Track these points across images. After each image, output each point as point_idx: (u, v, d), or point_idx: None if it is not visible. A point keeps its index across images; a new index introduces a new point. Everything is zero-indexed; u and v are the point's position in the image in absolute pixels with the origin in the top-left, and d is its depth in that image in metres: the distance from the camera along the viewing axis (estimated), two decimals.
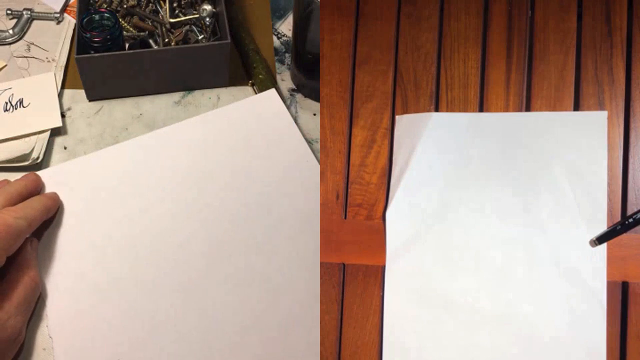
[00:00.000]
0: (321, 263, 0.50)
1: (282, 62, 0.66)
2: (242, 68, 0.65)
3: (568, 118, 0.46)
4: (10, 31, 0.67)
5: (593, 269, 0.45)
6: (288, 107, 0.62)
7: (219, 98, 0.62)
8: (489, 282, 0.46)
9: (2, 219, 0.43)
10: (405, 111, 0.50)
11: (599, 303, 0.44)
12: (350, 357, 0.49)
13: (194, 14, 0.65)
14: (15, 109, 0.59)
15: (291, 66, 0.64)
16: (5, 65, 0.64)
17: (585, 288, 0.45)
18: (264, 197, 0.53)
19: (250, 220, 0.51)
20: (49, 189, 0.52)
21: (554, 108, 0.47)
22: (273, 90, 0.61)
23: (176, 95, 0.62)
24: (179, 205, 0.52)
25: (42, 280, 0.46)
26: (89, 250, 0.48)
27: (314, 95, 0.62)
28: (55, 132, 0.58)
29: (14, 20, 0.68)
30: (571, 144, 0.46)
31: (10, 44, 0.66)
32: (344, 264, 0.50)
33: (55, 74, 0.63)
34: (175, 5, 0.66)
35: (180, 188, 0.53)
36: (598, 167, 0.45)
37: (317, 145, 0.58)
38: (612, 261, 0.45)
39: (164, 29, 0.64)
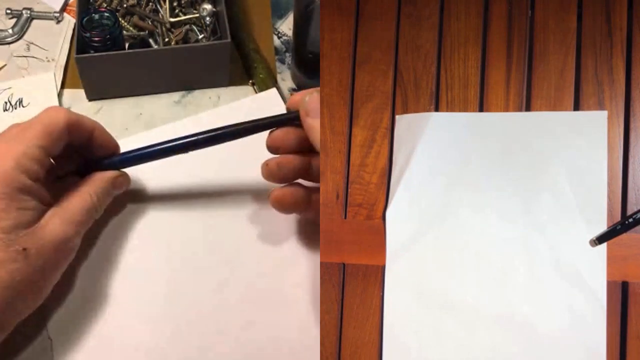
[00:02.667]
0: (321, 263, 0.50)
1: (282, 61, 0.66)
2: (243, 68, 0.65)
3: (568, 118, 0.46)
4: (10, 31, 0.67)
5: (593, 269, 0.45)
6: None
7: (219, 98, 0.62)
8: (489, 282, 0.47)
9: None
10: (405, 111, 0.50)
11: (599, 303, 0.44)
12: (350, 357, 0.49)
13: (194, 13, 0.65)
14: (15, 108, 0.59)
15: (292, 66, 0.64)
16: (5, 65, 0.64)
17: (585, 288, 0.45)
18: (264, 194, 0.53)
19: (251, 215, 0.51)
20: None
21: (554, 108, 0.47)
22: (274, 90, 0.61)
23: (176, 95, 0.62)
24: (179, 201, 0.52)
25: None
26: (88, 250, 0.48)
27: None
28: None
29: (14, 20, 0.68)
30: (571, 144, 0.46)
31: (9, 43, 0.66)
32: (344, 264, 0.50)
33: (55, 74, 0.62)
34: (175, 4, 0.66)
35: (179, 185, 0.53)
36: (598, 167, 0.45)
37: None
38: (612, 261, 0.45)
39: (164, 29, 0.64)
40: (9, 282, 0.36)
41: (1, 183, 0.37)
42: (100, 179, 0.45)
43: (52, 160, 0.42)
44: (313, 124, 0.41)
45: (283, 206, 0.46)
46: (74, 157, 0.46)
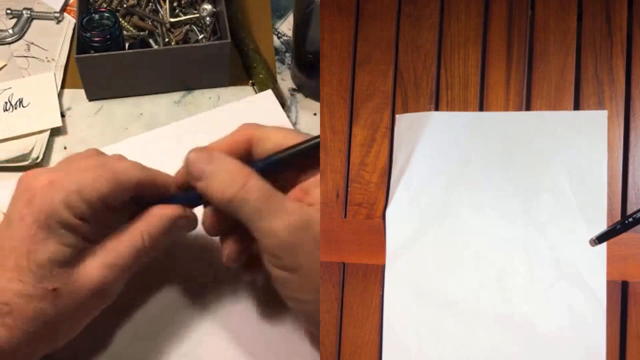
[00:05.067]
0: (321, 262, 0.50)
1: (282, 61, 0.66)
2: (242, 68, 0.65)
3: (568, 118, 0.46)
4: (10, 31, 0.67)
5: (593, 269, 0.45)
6: (288, 107, 0.62)
7: (219, 98, 0.62)
8: (489, 282, 0.47)
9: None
10: (405, 110, 0.50)
11: (598, 302, 0.44)
12: (350, 356, 0.49)
13: (194, 13, 0.65)
14: (15, 108, 0.59)
15: (291, 66, 0.64)
16: (5, 65, 0.64)
17: (585, 287, 0.45)
18: None
19: None
20: None
21: (554, 108, 0.47)
22: (269, 91, 0.61)
23: (176, 95, 0.62)
24: None
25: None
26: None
27: (315, 95, 0.62)
28: (55, 132, 0.58)
29: (14, 20, 0.68)
30: (571, 144, 0.46)
31: (10, 43, 0.66)
32: (344, 263, 0.50)
33: (55, 74, 0.62)
34: (175, 4, 0.66)
35: None
36: (598, 167, 0.45)
37: None
38: (612, 260, 0.45)
39: (164, 29, 0.64)
40: (32, 319, 0.33)
41: (45, 212, 0.34)
42: (157, 216, 0.38)
43: (105, 207, 0.36)
44: (206, 185, 0.35)
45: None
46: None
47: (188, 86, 0.62)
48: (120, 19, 0.63)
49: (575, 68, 0.47)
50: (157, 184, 0.39)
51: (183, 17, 0.65)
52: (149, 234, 0.37)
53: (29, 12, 0.68)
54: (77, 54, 0.56)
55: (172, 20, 0.64)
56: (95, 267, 0.35)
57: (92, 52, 0.57)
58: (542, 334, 0.45)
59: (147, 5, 0.66)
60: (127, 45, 0.62)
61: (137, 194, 0.38)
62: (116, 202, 0.36)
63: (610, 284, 0.44)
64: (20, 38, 0.67)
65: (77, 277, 0.34)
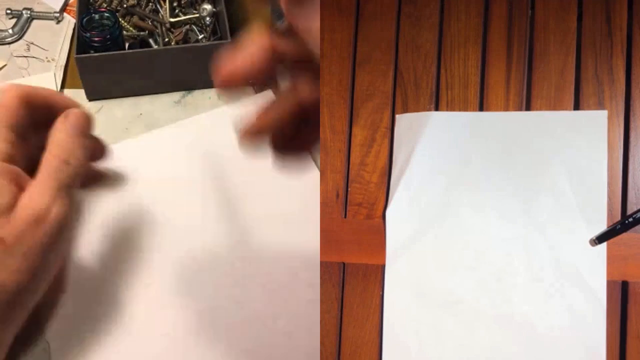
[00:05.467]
0: (321, 262, 0.50)
1: None
2: None
3: (568, 118, 0.46)
4: (10, 31, 0.67)
5: (593, 269, 0.45)
6: None
7: (219, 98, 0.62)
8: (489, 281, 0.46)
9: None
10: (405, 110, 0.50)
11: (598, 302, 0.44)
12: (350, 356, 0.49)
13: (194, 13, 0.65)
14: None
15: None
16: (5, 65, 0.64)
17: (585, 287, 0.45)
18: (263, 195, 0.53)
19: (248, 216, 0.51)
20: None
21: (554, 108, 0.47)
22: (269, 92, 0.61)
23: (176, 95, 0.62)
24: (177, 202, 0.52)
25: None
26: (87, 250, 0.48)
27: None
28: None
29: (14, 20, 0.68)
30: (571, 143, 0.46)
31: (10, 43, 0.66)
32: (344, 264, 0.50)
33: (55, 74, 0.63)
34: (175, 4, 0.66)
35: (178, 187, 0.53)
36: (598, 167, 0.45)
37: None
38: (612, 260, 0.45)
39: (164, 29, 0.64)
40: None
41: None
42: (58, 129, 0.36)
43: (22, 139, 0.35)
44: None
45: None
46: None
47: (188, 86, 0.62)
48: (120, 19, 0.63)
49: (575, 68, 0.47)
50: (49, 102, 0.37)
51: (183, 17, 0.65)
52: (58, 145, 0.35)
53: (29, 12, 0.68)
54: (77, 54, 0.56)
55: (172, 20, 0.64)
56: (26, 200, 0.33)
57: (92, 52, 0.57)
58: (542, 334, 0.45)
59: (147, 5, 0.66)
60: (127, 45, 0.62)
61: (33, 117, 0.36)
62: (22, 127, 0.35)
63: (610, 284, 0.44)
64: (20, 38, 0.67)
65: (17, 219, 0.32)
